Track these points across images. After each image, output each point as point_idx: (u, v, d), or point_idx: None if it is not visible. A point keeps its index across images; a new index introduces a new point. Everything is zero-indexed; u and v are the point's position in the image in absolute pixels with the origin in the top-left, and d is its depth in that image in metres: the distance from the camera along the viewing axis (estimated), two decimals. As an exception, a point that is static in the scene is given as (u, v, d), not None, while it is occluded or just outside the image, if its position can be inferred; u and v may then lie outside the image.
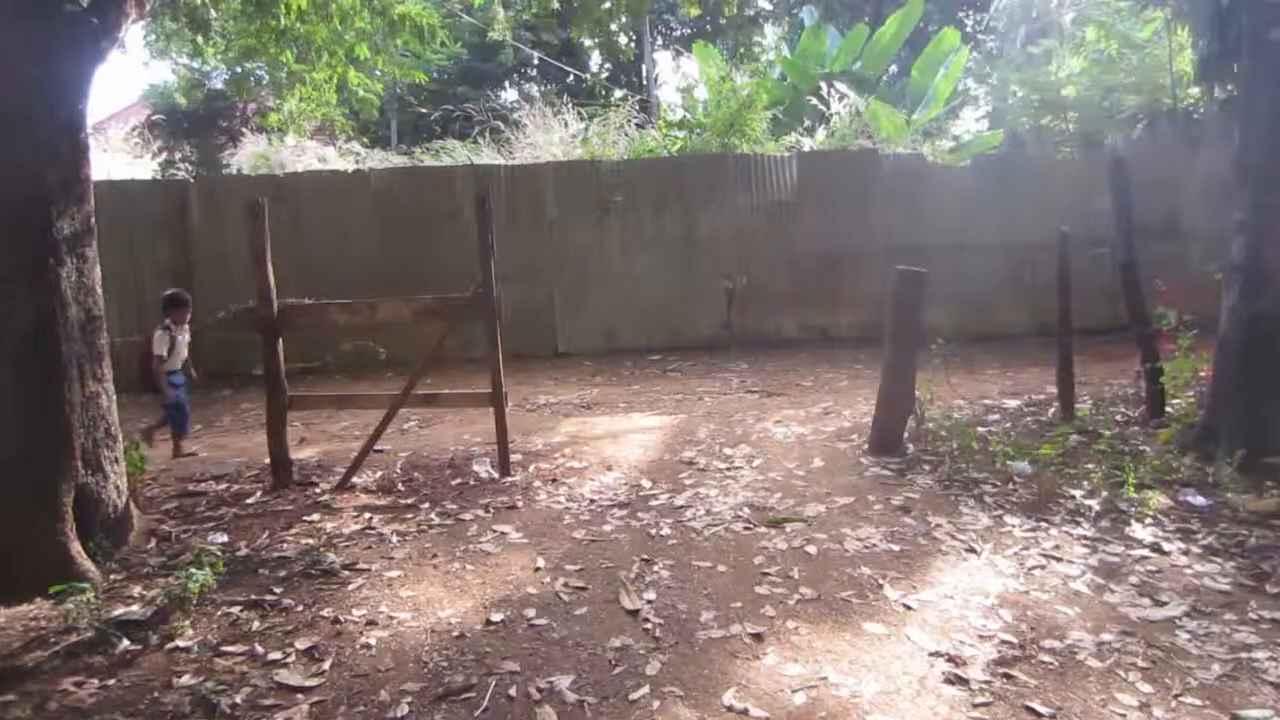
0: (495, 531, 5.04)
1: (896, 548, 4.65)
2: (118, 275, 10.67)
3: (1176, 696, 3.17)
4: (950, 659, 3.46)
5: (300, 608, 4.07)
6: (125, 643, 3.69)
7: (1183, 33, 12.93)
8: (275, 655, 3.61)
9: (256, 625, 3.89)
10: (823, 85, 17.69)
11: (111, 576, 4.47)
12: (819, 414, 7.90)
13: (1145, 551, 4.52)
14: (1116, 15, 15.32)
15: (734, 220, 12.25)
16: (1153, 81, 14.90)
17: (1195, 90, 14.48)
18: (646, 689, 3.29)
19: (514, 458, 6.43)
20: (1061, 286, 6.97)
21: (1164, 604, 3.93)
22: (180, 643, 3.71)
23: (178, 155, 18.59)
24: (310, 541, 4.93)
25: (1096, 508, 5.08)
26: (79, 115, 4.84)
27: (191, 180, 12.18)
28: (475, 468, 6.43)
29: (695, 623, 3.83)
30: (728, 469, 6.23)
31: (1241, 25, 6.24)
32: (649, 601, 4.05)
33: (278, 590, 4.27)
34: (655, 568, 4.46)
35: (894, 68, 21.78)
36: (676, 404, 8.84)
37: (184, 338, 7.29)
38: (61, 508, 4.39)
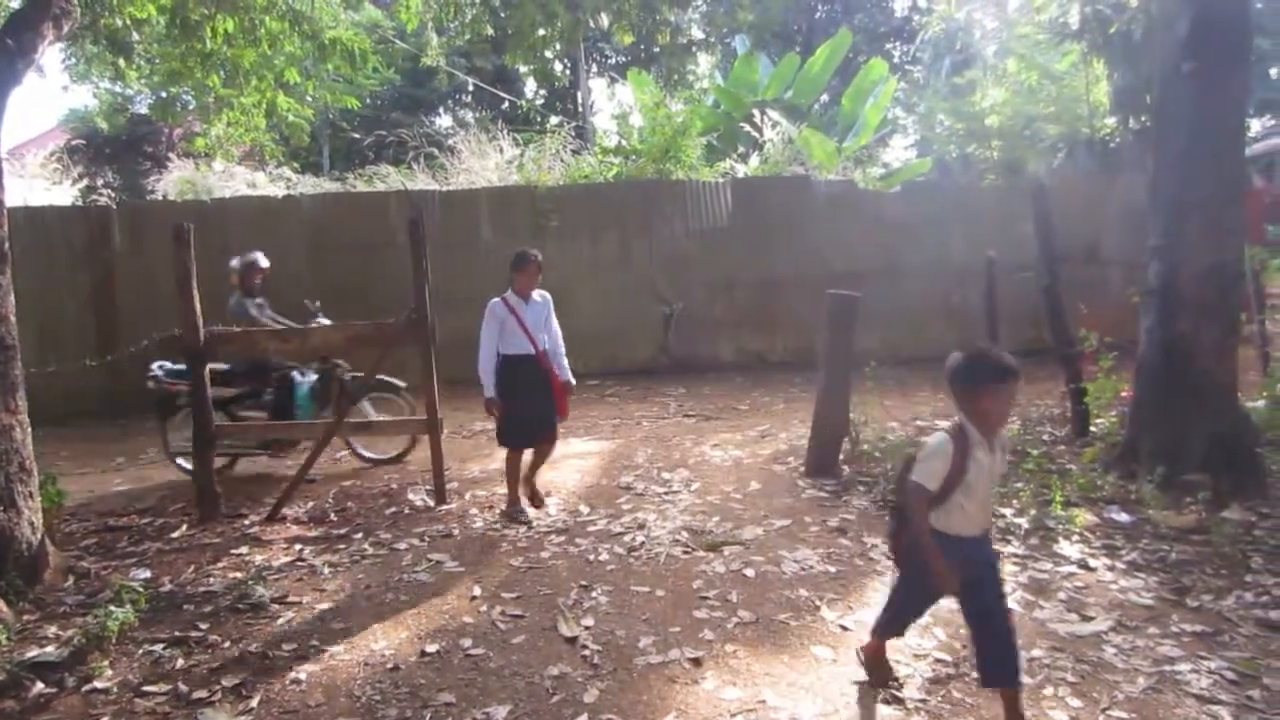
0: (431, 560, 4.96)
1: (833, 569, 4.68)
2: (34, 304, 10.35)
3: (1104, 710, 3.24)
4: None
5: (227, 644, 3.95)
6: (39, 686, 3.54)
7: (1098, 65, 13.47)
8: (200, 694, 3.49)
9: (180, 663, 3.77)
10: (755, 113, 17.99)
11: (25, 617, 4.29)
12: (756, 437, 7.94)
13: (1073, 568, 4.63)
14: (1036, 48, 15.87)
15: (670, 245, 12.32)
16: (1071, 112, 15.47)
17: (1111, 120, 15.08)
18: (585, 717, 3.26)
19: (450, 485, 6.35)
20: (989, 310, 7.14)
21: (1091, 619, 4.02)
22: (98, 684, 3.57)
23: (99, 181, 18.12)
24: (238, 575, 4.79)
25: (1026, 526, 5.19)
26: (-8, 139, 4.69)
27: (114, 206, 11.85)
28: (410, 496, 6.34)
29: (634, 649, 3.80)
30: (666, 493, 6.22)
31: (1153, 59, 6.50)
32: (587, 628, 4.02)
33: (203, 626, 4.14)
34: (593, 594, 4.43)
35: (825, 96, 22.22)
36: (614, 429, 8.82)
37: (992, 457, 3.09)
38: (-29, 546, 4.21)
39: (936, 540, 3.05)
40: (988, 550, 3.18)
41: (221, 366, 7.02)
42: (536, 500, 5.85)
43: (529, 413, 5.62)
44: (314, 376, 7.23)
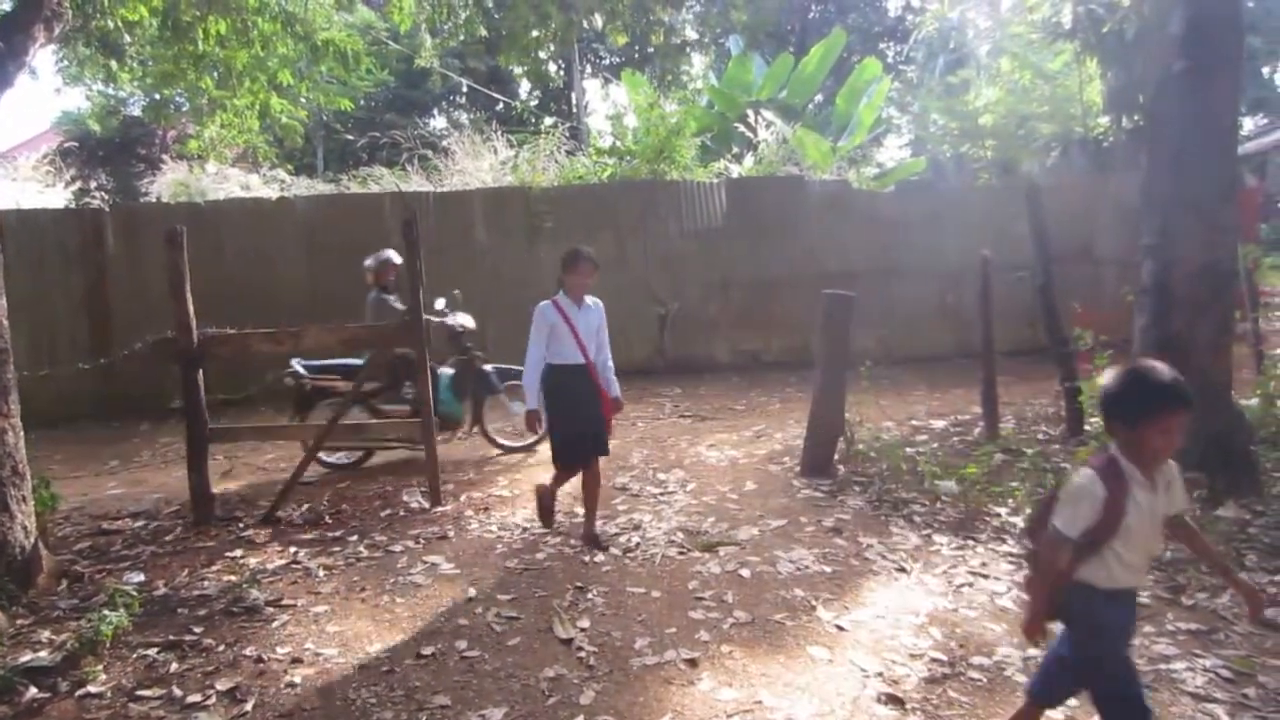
0: (426, 562, 4.95)
1: (829, 569, 4.68)
2: (27, 307, 10.30)
3: (1101, 708, 3.23)
4: (883, 679, 3.49)
5: (221, 647, 3.93)
6: (32, 691, 3.51)
7: (1091, 65, 13.48)
8: (194, 698, 3.47)
9: (175, 667, 3.75)
10: (750, 113, 17.98)
11: (18, 621, 4.26)
12: (751, 437, 7.94)
13: (1068, 566, 4.62)
14: (1029, 47, 15.89)
15: (665, 246, 12.31)
16: (1064, 111, 15.48)
17: (1104, 119, 15.09)
18: (581, 719, 3.25)
19: (445, 487, 6.33)
20: (984, 310, 7.15)
21: (1087, 617, 4.01)
22: (92, 689, 3.55)
23: (92, 184, 17.99)
24: (233, 578, 4.77)
25: (1021, 525, 5.19)
26: (-16, 141, 4.67)
27: (107, 209, 11.82)
28: (405, 498, 6.32)
29: (629, 650, 3.80)
30: (661, 494, 6.22)
31: (1146, 58, 6.50)
32: (583, 630, 4.01)
33: (198, 630, 4.12)
34: (589, 595, 4.42)
35: (819, 96, 22.24)
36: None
37: (1155, 497, 2.53)
38: (-37, 550, 4.18)
39: (1089, 595, 2.52)
40: (1134, 604, 2.64)
41: (356, 361, 7.23)
42: (598, 545, 5.12)
43: (583, 428, 5.07)
44: (452, 370, 7.35)
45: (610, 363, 5.30)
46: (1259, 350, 7.92)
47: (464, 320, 7.68)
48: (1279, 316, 8.72)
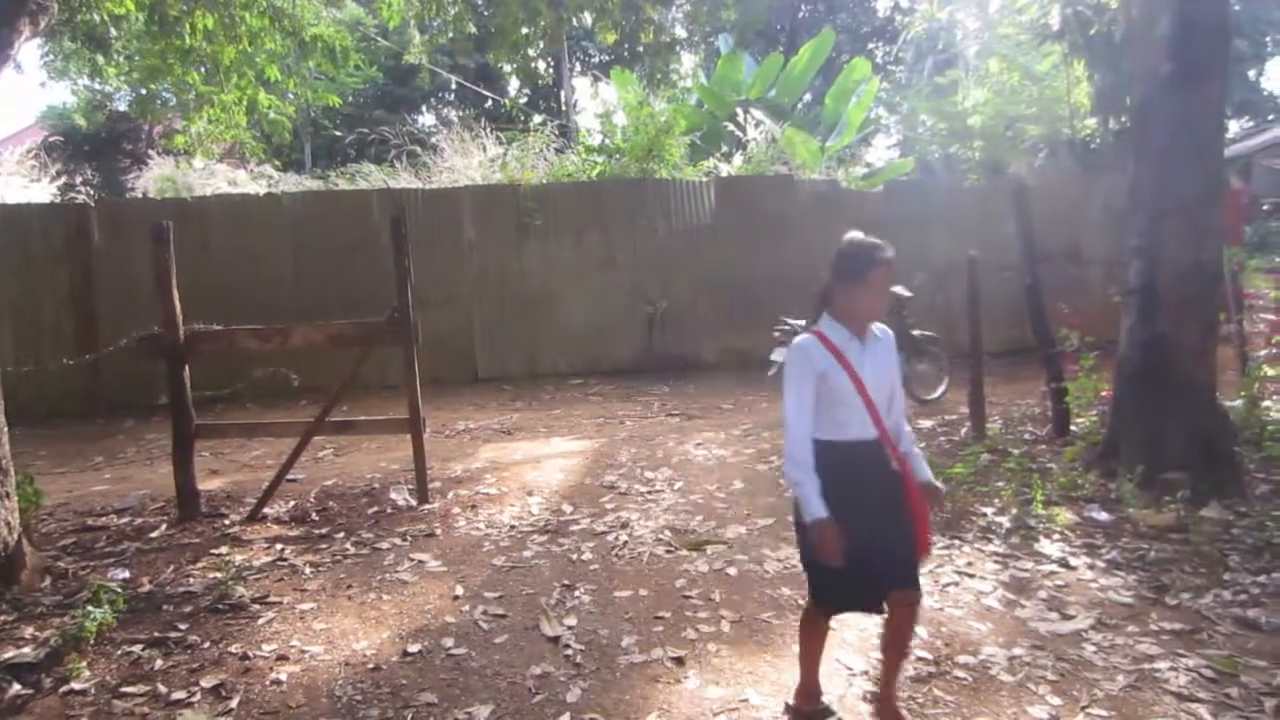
0: (413, 560, 4.94)
1: (816, 567, 4.69)
2: (12, 302, 10.26)
3: (1084, 708, 3.25)
4: (869, 677, 3.50)
5: (206, 644, 3.91)
6: (16, 687, 3.49)
7: (1079, 66, 13.55)
8: (179, 695, 3.46)
9: (159, 664, 3.73)
10: (739, 112, 18.00)
11: (1, 618, 4.23)
12: (739, 436, 7.95)
13: (1053, 566, 4.65)
14: (1017, 48, 15.95)
15: (654, 244, 12.31)
16: (1052, 112, 15.55)
17: (1092, 121, 15.17)
18: (567, 717, 3.25)
19: (433, 485, 6.31)
20: (972, 310, 7.17)
21: (1071, 618, 4.04)
22: (76, 685, 3.53)
23: (78, 179, 17.90)
24: (218, 575, 4.75)
25: (1007, 525, 5.21)
26: (-31, 134, 4.63)
27: (93, 204, 11.74)
28: (393, 495, 6.30)
29: (616, 648, 3.80)
30: (649, 492, 6.22)
31: (1133, 60, 6.53)
32: (570, 628, 4.01)
33: (183, 627, 4.10)
34: (576, 593, 4.42)
35: (808, 96, 22.27)
36: (597, 428, 8.81)
37: None
38: (-53, 546, 4.15)
39: None
40: None
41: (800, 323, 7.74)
42: None
43: (870, 546, 2.86)
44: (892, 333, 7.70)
45: (906, 425, 3.20)
46: (1243, 352, 7.97)
47: (903, 290, 8.36)
48: (1263, 319, 8.76)
